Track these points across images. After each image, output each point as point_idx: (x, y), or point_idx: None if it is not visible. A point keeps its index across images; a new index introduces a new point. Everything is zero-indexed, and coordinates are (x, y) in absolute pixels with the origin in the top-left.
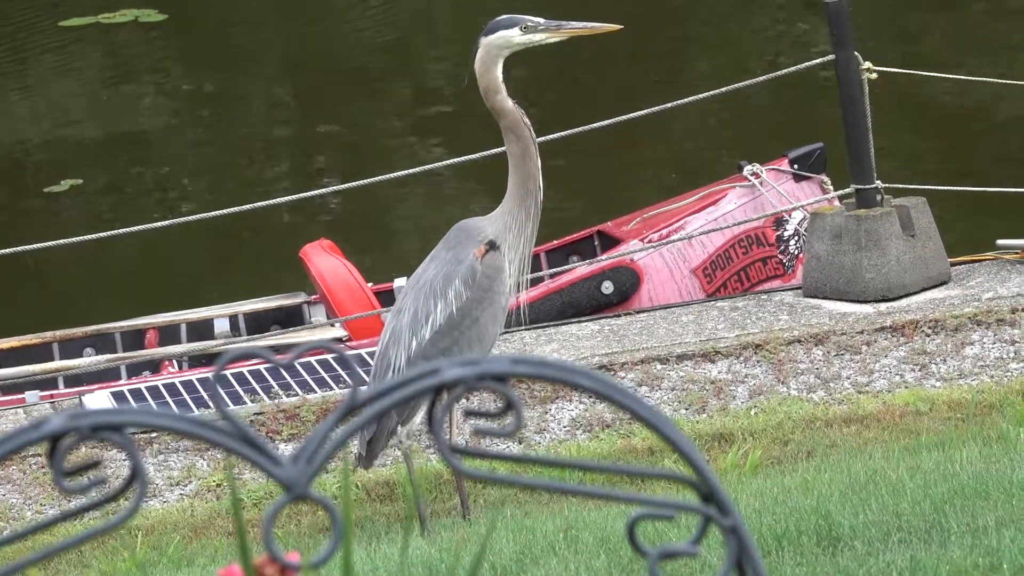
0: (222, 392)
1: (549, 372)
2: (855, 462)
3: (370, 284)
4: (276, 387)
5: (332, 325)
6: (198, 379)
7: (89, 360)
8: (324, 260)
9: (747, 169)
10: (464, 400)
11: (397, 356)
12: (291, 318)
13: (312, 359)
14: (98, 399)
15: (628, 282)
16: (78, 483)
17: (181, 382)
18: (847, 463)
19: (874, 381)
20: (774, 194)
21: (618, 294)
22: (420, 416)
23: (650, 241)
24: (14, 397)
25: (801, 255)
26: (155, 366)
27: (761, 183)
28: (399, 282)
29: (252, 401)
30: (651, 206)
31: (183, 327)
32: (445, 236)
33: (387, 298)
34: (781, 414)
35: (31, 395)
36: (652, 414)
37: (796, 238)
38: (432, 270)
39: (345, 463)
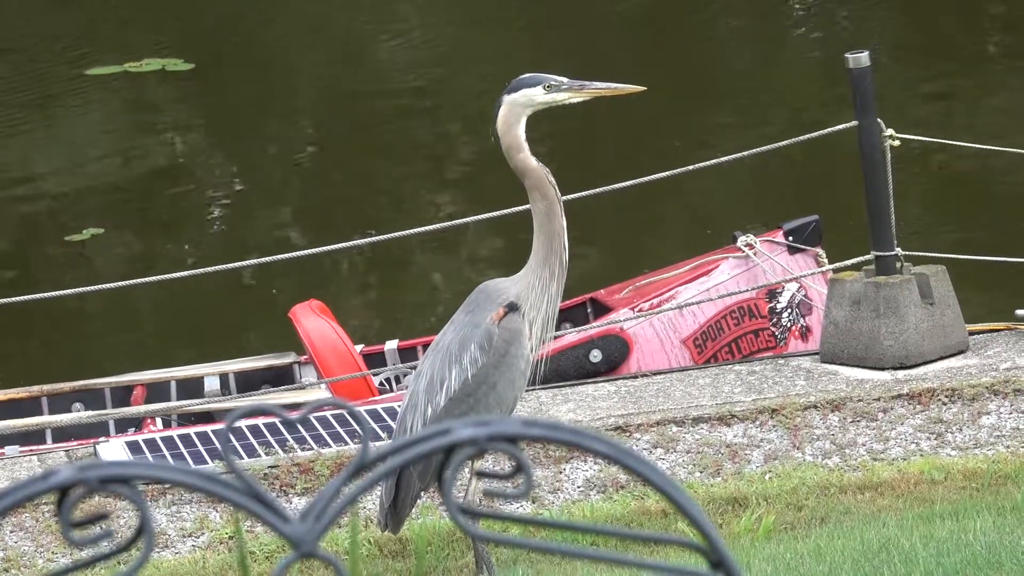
0: (236, 445)
1: (561, 435)
2: (868, 530)
3: (362, 346)
4: (291, 441)
5: (319, 386)
6: (213, 431)
7: (75, 415)
8: (312, 321)
9: (741, 240)
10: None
11: (413, 422)
12: (281, 378)
13: (328, 413)
14: (113, 448)
15: (617, 351)
16: (86, 535)
17: (196, 433)
18: (860, 530)
19: (889, 449)
20: (768, 266)
21: (606, 363)
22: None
23: (640, 310)
24: None
25: (794, 328)
26: (139, 423)
27: (755, 254)
28: (390, 345)
29: (267, 454)
30: (643, 275)
31: (173, 384)
32: (467, 298)
33: (378, 360)
34: (796, 479)
35: (11, 449)
36: (664, 480)
37: (789, 311)
38: (450, 334)
39: (354, 519)
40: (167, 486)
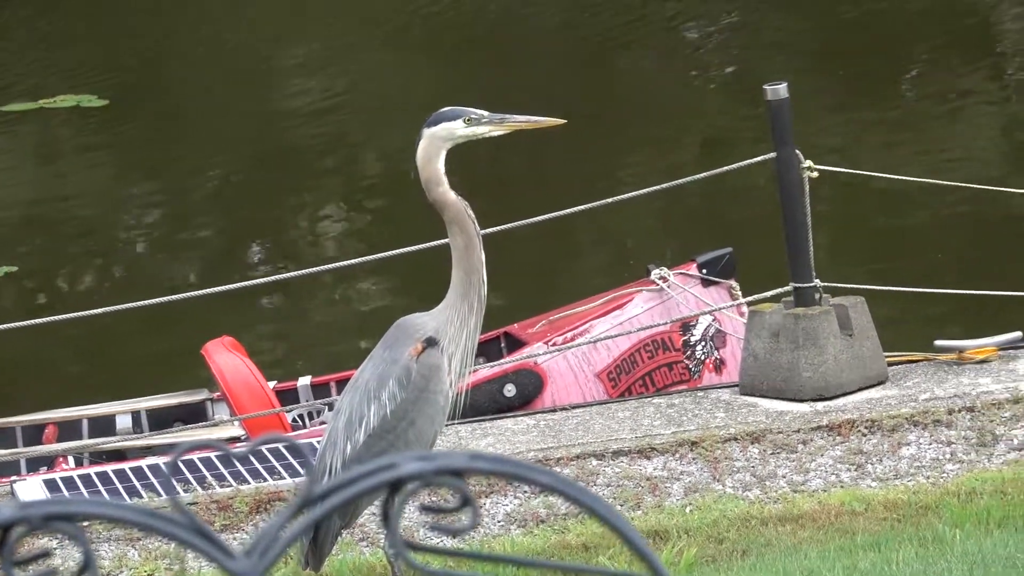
0: (154, 482)
1: (507, 468)
2: (790, 562)
3: (275, 382)
4: (209, 478)
5: (232, 423)
6: (130, 468)
7: None
8: (224, 357)
9: (655, 273)
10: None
11: (333, 460)
12: (194, 415)
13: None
14: (31, 487)
15: (531, 385)
16: (27, 574)
17: (113, 471)
18: (782, 562)
19: (810, 480)
20: (682, 298)
21: (520, 397)
22: (361, 518)
23: (554, 344)
24: None
25: (707, 360)
26: (51, 461)
27: (669, 287)
28: (303, 381)
29: (185, 491)
30: (557, 309)
31: (84, 423)
32: (385, 334)
33: (291, 397)
34: (716, 512)
35: None
36: (608, 511)
37: (703, 343)
38: (368, 371)
39: (296, 559)
40: (86, 523)
